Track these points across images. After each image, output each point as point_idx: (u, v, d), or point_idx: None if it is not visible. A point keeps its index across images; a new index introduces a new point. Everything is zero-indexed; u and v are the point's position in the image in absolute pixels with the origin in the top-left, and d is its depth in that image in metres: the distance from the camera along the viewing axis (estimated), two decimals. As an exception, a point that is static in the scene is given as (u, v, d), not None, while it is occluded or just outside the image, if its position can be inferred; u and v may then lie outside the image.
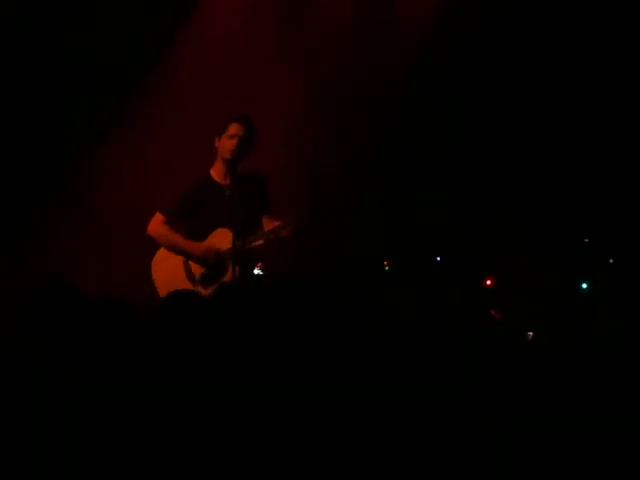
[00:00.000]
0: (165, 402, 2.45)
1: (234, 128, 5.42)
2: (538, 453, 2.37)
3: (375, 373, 2.51)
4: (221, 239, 5.36)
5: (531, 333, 6.20)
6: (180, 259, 5.53)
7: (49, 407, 2.44)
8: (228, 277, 5.31)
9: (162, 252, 5.59)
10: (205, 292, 5.32)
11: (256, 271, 5.65)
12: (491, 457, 2.33)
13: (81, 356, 2.77)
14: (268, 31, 6.90)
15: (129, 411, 2.43)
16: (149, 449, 2.36)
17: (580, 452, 2.41)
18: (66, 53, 6.65)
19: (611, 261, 7.17)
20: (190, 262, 5.50)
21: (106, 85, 6.70)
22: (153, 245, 5.61)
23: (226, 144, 5.44)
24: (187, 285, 5.42)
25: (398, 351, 2.60)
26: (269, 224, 5.44)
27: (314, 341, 2.70)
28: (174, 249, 5.53)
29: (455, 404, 2.41)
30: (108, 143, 6.76)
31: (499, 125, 7.10)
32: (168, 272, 5.53)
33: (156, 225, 5.55)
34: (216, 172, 5.58)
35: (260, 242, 5.33)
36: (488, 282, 7.21)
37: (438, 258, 7.34)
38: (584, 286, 7.07)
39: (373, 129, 6.96)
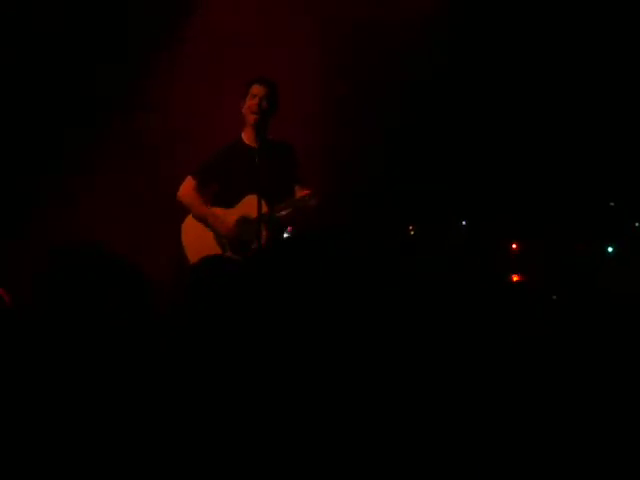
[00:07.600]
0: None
1: (255, 88, 5.47)
2: (538, 453, 2.38)
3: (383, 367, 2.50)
4: (251, 206, 5.37)
5: (555, 297, 6.23)
6: None
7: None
8: (257, 244, 5.35)
9: (192, 216, 5.65)
10: (235, 258, 5.37)
11: (286, 235, 5.68)
12: (491, 457, 2.34)
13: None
14: (283, 7, 6.84)
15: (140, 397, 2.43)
16: (152, 442, 2.36)
17: (580, 452, 2.41)
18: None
19: (637, 225, 7.17)
20: None
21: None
22: (182, 210, 5.66)
23: (249, 104, 5.47)
24: (216, 250, 5.47)
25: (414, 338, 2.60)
26: (299, 193, 5.49)
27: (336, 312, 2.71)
28: (200, 220, 5.57)
29: (454, 400, 2.41)
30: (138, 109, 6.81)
31: (523, 92, 7.07)
32: (198, 236, 5.56)
33: (187, 190, 5.58)
34: (246, 136, 5.61)
35: (289, 210, 5.37)
36: (514, 246, 7.22)
37: (464, 222, 7.36)
38: (610, 250, 7.08)
39: (393, 99, 6.91)
